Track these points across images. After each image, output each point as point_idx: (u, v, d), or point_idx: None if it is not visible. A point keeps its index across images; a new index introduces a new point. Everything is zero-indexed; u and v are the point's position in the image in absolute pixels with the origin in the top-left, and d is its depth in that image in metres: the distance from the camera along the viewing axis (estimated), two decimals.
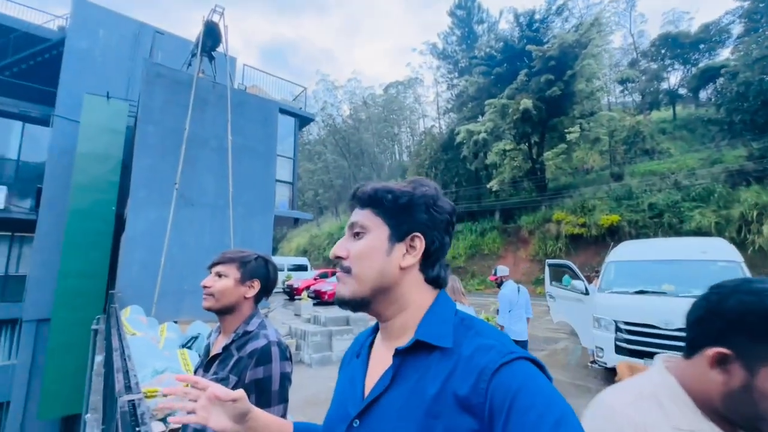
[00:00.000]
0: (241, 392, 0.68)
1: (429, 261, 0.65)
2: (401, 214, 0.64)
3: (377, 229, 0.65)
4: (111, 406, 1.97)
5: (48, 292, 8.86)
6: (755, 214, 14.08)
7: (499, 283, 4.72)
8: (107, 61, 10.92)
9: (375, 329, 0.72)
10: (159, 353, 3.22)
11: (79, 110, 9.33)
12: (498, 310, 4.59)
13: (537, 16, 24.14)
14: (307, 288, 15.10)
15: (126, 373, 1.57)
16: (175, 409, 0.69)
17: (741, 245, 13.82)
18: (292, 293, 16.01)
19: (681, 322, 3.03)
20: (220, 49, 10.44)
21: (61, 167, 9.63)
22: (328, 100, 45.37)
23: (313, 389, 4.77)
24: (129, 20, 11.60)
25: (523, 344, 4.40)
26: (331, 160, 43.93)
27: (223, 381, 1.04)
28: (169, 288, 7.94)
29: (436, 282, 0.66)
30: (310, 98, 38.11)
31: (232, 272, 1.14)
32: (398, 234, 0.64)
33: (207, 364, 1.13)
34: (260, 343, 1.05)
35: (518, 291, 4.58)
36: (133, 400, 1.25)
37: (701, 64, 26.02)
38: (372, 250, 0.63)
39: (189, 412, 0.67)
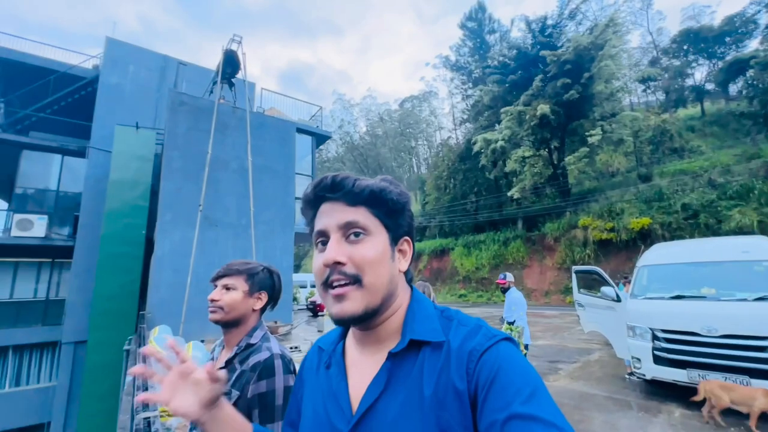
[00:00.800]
0: (223, 373, 0.65)
1: (409, 263, 0.65)
2: (398, 217, 0.62)
3: (379, 233, 0.60)
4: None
5: (85, 314, 9.25)
6: None
7: (506, 289, 4.91)
8: (136, 93, 11.60)
9: (341, 336, 0.68)
10: None
11: (111, 141, 9.91)
12: (503, 318, 4.87)
13: (549, 22, 24.00)
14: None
15: (145, 390, 1.59)
16: (145, 377, 0.62)
17: None
18: (315, 309, 16.05)
19: (725, 329, 2.84)
20: (240, 75, 10.89)
21: (95, 195, 10.18)
22: (345, 117, 46.35)
23: None
24: (155, 54, 12.34)
25: (526, 347, 4.79)
26: None
27: (225, 395, 1.02)
28: (195, 307, 8.13)
29: (411, 280, 0.67)
30: (327, 117, 39.05)
31: (240, 284, 1.13)
32: (395, 238, 0.62)
33: None
34: (263, 355, 1.04)
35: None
36: (149, 418, 1.25)
37: (728, 57, 24.95)
38: (382, 256, 0.59)
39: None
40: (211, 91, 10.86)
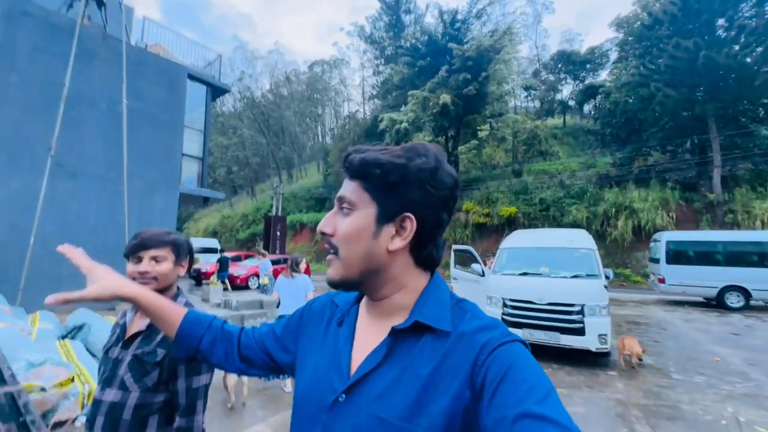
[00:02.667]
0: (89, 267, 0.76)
1: (420, 242, 0.60)
2: (391, 191, 0.58)
3: (365, 207, 0.59)
4: None
5: None
6: (614, 211, 17.33)
7: None
8: None
9: (358, 298, 0.69)
10: (32, 345, 2.81)
11: None
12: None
13: (459, 17, 25.48)
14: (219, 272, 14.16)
15: None
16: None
17: (602, 236, 16.93)
18: (199, 277, 14.84)
19: (550, 298, 3.79)
20: None
21: None
22: (246, 70, 42.00)
23: (221, 373, 4.62)
24: None
25: None
26: (247, 136, 40.93)
27: (150, 354, 1.06)
28: (41, 273, 6.77)
29: (428, 263, 0.63)
30: (225, 66, 34.69)
31: (168, 255, 1.15)
32: (387, 214, 0.58)
33: (126, 341, 1.12)
34: None
35: None
36: (12, 392, 1.17)
37: (586, 82, 30.50)
38: (358, 232, 0.58)
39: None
40: (71, 6, 8.68)
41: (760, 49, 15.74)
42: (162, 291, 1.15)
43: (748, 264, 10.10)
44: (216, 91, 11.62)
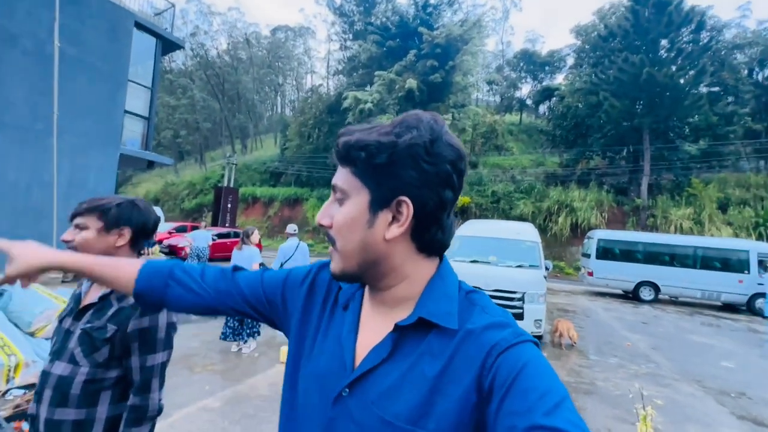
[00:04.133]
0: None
1: (422, 226, 0.54)
2: (381, 174, 0.52)
3: (356, 195, 0.54)
4: None
5: None
6: (556, 208, 18.73)
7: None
8: None
9: (361, 283, 0.64)
10: None
11: None
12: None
13: (432, 1, 25.31)
14: (160, 242, 13.27)
15: None
16: None
17: (545, 230, 18.28)
18: (174, 253, 13.79)
19: (496, 285, 4.07)
20: None
21: None
22: (201, 26, 38.57)
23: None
24: None
25: None
26: (199, 98, 37.90)
27: (100, 330, 1.00)
28: None
29: (433, 249, 0.57)
30: (177, 18, 31.53)
31: (93, 222, 1.05)
32: (380, 200, 0.53)
33: (78, 313, 1.04)
34: None
35: (296, 248, 5.16)
36: None
37: (544, 83, 32.04)
38: (352, 221, 0.54)
39: None
40: None
41: (692, 72, 17.55)
42: None
43: (660, 263, 11.54)
44: (166, 44, 10.60)
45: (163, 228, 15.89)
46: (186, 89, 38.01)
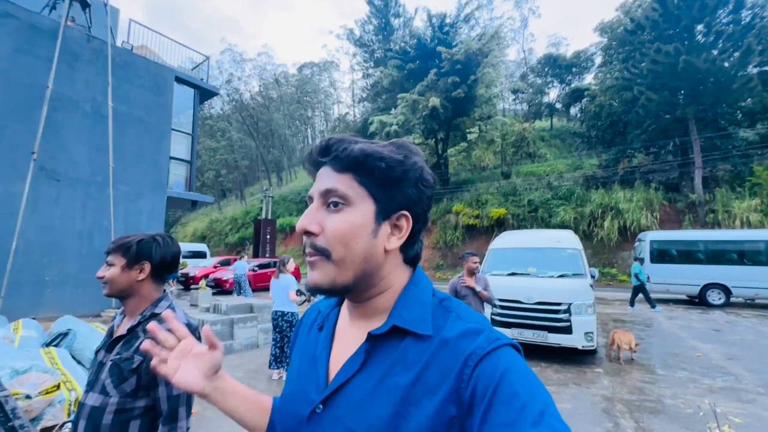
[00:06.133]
0: (218, 342, 0.62)
1: (410, 240, 0.58)
2: (392, 187, 0.55)
3: (361, 203, 0.54)
4: None
5: None
6: (600, 212, 17.66)
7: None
8: None
9: (340, 300, 0.66)
10: (16, 353, 2.76)
11: None
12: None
13: (448, 20, 25.77)
14: (206, 276, 14.00)
15: None
16: (153, 353, 0.60)
17: (589, 236, 17.25)
18: (187, 282, 14.65)
19: (538, 297, 3.87)
20: None
21: None
22: (235, 72, 41.61)
23: None
24: None
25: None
26: (236, 139, 40.56)
27: (127, 361, 1.06)
28: (23, 279, 6.63)
29: (414, 260, 0.60)
30: (213, 68, 34.36)
31: (118, 260, 1.15)
32: (386, 211, 0.55)
33: (110, 345, 1.12)
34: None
35: None
36: None
37: (572, 85, 31.08)
38: (357, 230, 0.53)
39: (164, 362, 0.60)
40: (54, 7, 8.55)
41: (736, 54, 16.28)
42: (125, 296, 1.16)
43: (728, 262, 10.41)
44: (204, 93, 11.54)
45: (209, 263, 16.83)
46: (224, 132, 40.86)
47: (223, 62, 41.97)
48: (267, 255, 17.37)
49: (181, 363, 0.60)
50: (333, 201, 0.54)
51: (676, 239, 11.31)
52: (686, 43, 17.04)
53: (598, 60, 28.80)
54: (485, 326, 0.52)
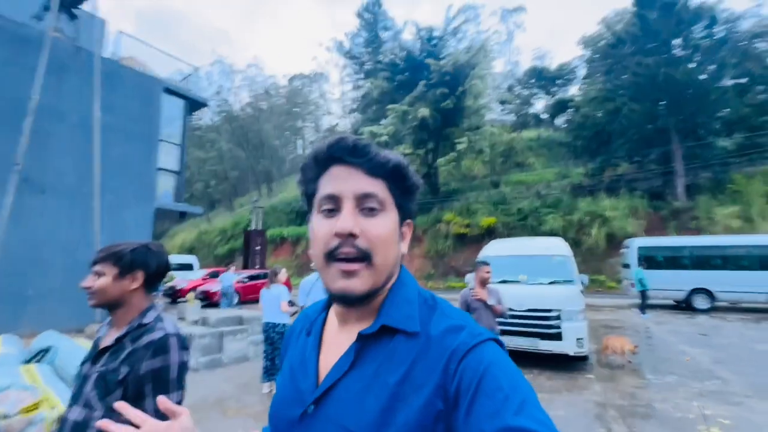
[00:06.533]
0: (179, 408, 0.60)
1: (406, 245, 0.62)
2: (409, 197, 0.59)
3: (391, 209, 0.56)
4: None
5: None
6: (588, 219, 17.96)
7: None
8: None
9: (327, 305, 0.66)
10: None
11: None
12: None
13: (436, 33, 26.31)
14: (194, 289, 13.73)
15: None
16: None
17: (578, 244, 17.46)
18: (174, 295, 14.33)
19: (529, 305, 3.89)
20: (86, 6, 8.82)
21: None
22: (225, 84, 41.69)
23: (200, 394, 4.47)
24: None
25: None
26: (226, 150, 40.27)
27: (113, 372, 1.02)
28: (5, 293, 6.43)
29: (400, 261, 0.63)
30: (202, 80, 34.33)
31: (109, 269, 1.10)
32: (404, 218, 0.59)
33: (96, 356, 1.09)
34: (157, 335, 1.05)
35: (315, 282, 4.82)
36: None
37: (557, 96, 31.87)
38: (393, 235, 0.55)
39: None
40: (40, 19, 8.48)
41: (712, 66, 16.96)
42: (114, 306, 1.11)
43: (712, 267, 10.65)
44: (193, 104, 11.51)
45: (197, 275, 16.50)
46: (214, 142, 40.58)
47: (213, 74, 42.06)
48: (257, 266, 17.15)
49: None
50: (370, 206, 0.54)
51: (662, 245, 11.55)
52: (665, 56, 17.69)
53: (582, 72, 29.61)
54: (468, 322, 0.54)
